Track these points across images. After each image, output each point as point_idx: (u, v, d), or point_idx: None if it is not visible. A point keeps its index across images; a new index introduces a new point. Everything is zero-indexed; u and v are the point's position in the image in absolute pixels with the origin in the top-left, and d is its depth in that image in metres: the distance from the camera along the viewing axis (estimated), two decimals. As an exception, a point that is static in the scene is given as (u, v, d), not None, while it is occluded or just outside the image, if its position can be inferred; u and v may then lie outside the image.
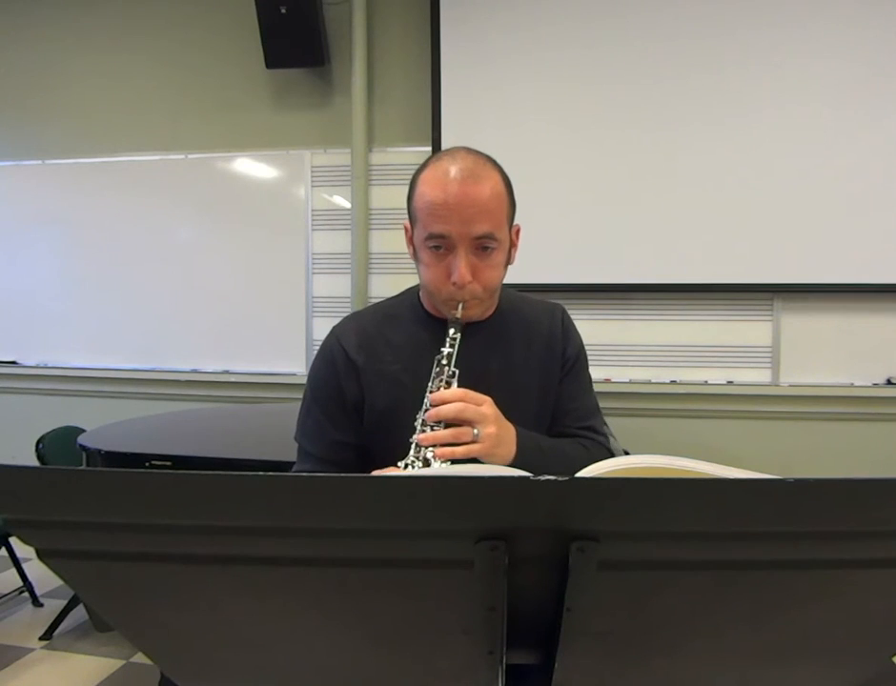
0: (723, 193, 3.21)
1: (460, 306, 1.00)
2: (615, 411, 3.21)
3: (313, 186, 3.68)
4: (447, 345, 1.00)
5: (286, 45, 3.45)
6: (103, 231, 3.87)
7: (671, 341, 3.35)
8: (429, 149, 3.41)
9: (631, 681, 0.63)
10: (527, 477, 0.47)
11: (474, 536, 0.49)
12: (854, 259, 3.12)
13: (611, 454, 1.15)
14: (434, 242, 0.99)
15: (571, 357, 1.16)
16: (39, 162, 3.96)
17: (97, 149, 3.87)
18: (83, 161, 3.89)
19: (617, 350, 3.37)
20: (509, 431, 0.97)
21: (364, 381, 1.07)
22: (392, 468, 0.91)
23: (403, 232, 1.10)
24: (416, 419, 0.94)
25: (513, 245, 1.08)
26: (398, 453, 0.91)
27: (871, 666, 0.61)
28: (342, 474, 0.47)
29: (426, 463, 0.88)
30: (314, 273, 3.68)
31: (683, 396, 3.32)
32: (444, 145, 3.39)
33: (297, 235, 3.68)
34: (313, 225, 3.67)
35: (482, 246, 0.99)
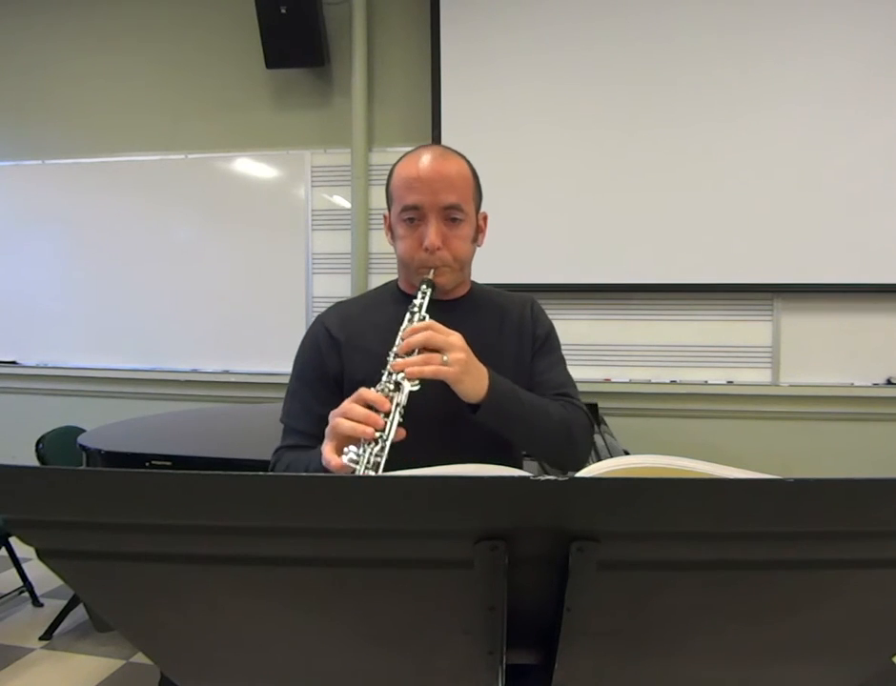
0: (724, 193, 3.21)
1: (432, 271, 1.09)
2: (615, 411, 3.21)
3: (313, 186, 3.68)
4: (418, 297, 1.07)
5: (286, 45, 3.45)
6: (103, 231, 3.87)
7: (671, 341, 3.35)
8: (429, 149, 3.42)
9: (631, 681, 0.63)
10: (527, 477, 0.47)
11: (474, 536, 0.49)
12: (854, 259, 3.12)
13: (589, 419, 1.17)
14: (408, 214, 1.09)
15: (541, 336, 1.22)
16: (39, 162, 3.96)
17: (97, 149, 3.87)
18: (83, 161, 3.89)
19: (617, 350, 3.37)
20: (480, 366, 1.01)
21: (345, 355, 1.13)
22: (364, 389, 0.94)
23: (384, 224, 1.19)
24: (388, 355, 0.99)
25: (480, 230, 1.18)
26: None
27: (871, 666, 0.61)
28: (342, 475, 0.47)
29: (397, 386, 0.93)
30: (314, 273, 3.68)
31: (683, 396, 3.32)
32: (444, 144, 3.39)
33: (297, 235, 3.69)
34: (313, 225, 3.67)
35: (451, 217, 1.09)
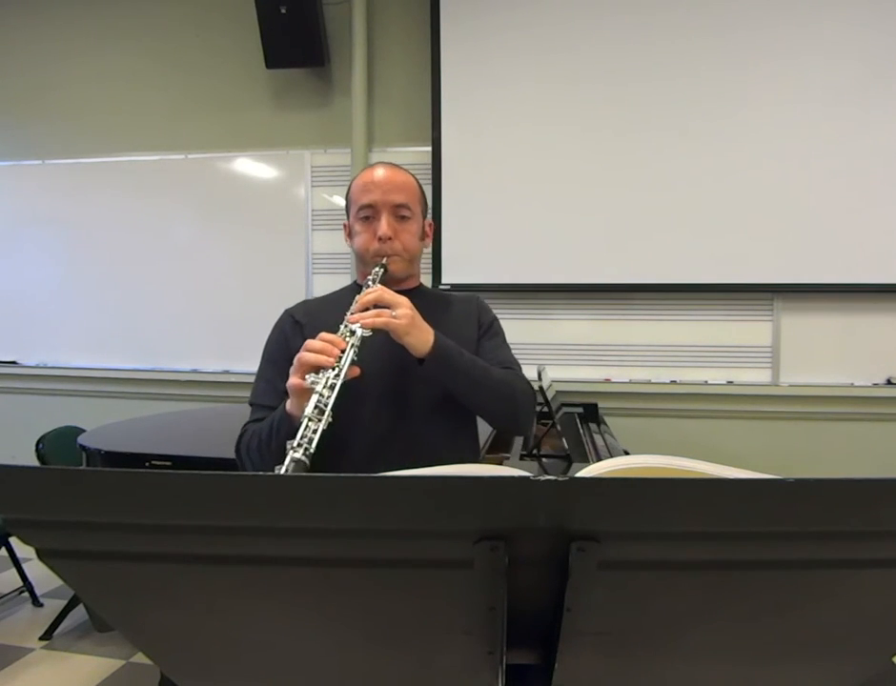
0: (724, 194, 3.21)
1: (385, 259, 1.26)
2: (615, 411, 3.21)
3: (313, 186, 3.68)
4: (371, 275, 1.23)
5: (286, 45, 3.45)
6: (103, 231, 3.87)
7: (671, 341, 3.35)
8: (429, 149, 3.42)
9: (631, 681, 0.63)
10: (527, 477, 0.47)
11: (474, 536, 0.49)
12: (854, 259, 3.12)
13: (531, 388, 1.26)
14: (364, 212, 1.27)
15: (485, 323, 1.35)
16: (39, 162, 3.96)
17: (97, 149, 3.87)
18: (83, 161, 3.89)
19: (617, 350, 3.37)
20: (425, 324, 1.14)
21: (307, 335, 1.21)
22: (323, 333, 1.07)
23: (343, 232, 1.40)
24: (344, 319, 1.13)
25: (426, 234, 1.36)
26: (343, 401, 1.01)
27: (871, 666, 0.61)
28: (342, 475, 0.47)
29: (352, 333, 1.07)
30: (314, 273, 3.69)
31: (683, 396, 3.32)
32: (444, 145, 3.39)
33: (297, 235, 3.69)
34: (313, 225, 3.68)
35: (401, 214, 1.27)
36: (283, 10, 3.37)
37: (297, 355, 1.06)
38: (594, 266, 3.34)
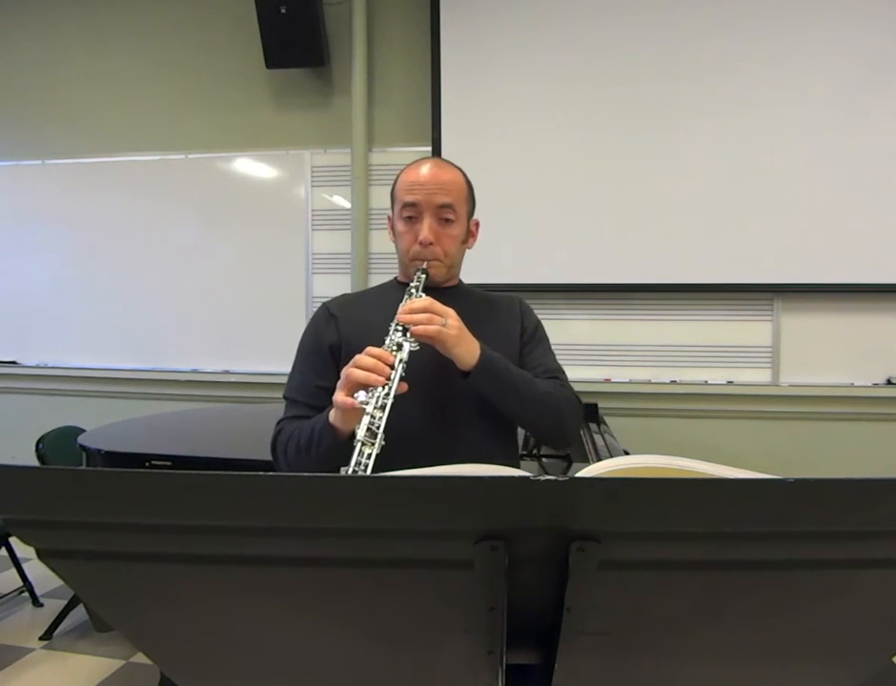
0: (724, 194, 3.21)
1: (425, 263, 1.22)
2: (615, 411, 3.21)
3: (313, 186, 3.68)
4: (414, 281, 1.19)
5: (286, 45, 3.45)
6: (103, 231, 3.87)
7: (671, 341, 3.34)
8: (429, 149, 3.42)
9: (631, 681, 0.63)
10: (527, 477, 0.47)
11: (474, 536, 0.49)
12: (854, 259, 3.12)
13: (578, 400, 1.24)
14: (407, 211, 1.22)
15: (529, 328, 1.30)
16: (39, 162, 3.96)
17: (97, 149, 3.86)
18: (83, 161, 3.89)
19: (617, 350, 3.37)
20: (471, 336, 1.12)
21: (342, 327, 1.24)
22: (371, 347, 1.04)
23: (387, 225, 1.32)
24: (389, 325, 1.10)
25: (472, 234, 1.31)
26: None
27: (871, 666, 0.61)
28: (343, 475, 0.47)
29: (399, 346, 1.05)
30: (314, 273, 3.68)
31: (683, 396, 3.32)
32: (444, 145, 3.39)
33: (297, 235, 3.69)
34: (313, 225, 3.67)
35: (444, 217, 1.21)
36: (283, 10, 3.37)
37: (345, 371, 1.03)
38: (594, 266, 3.34)
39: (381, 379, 0.99)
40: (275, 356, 3.54)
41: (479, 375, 1.11)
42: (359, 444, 0.93)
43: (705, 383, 3.32)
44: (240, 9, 3.58)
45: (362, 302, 1.32)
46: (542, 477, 0.45)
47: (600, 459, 1.66)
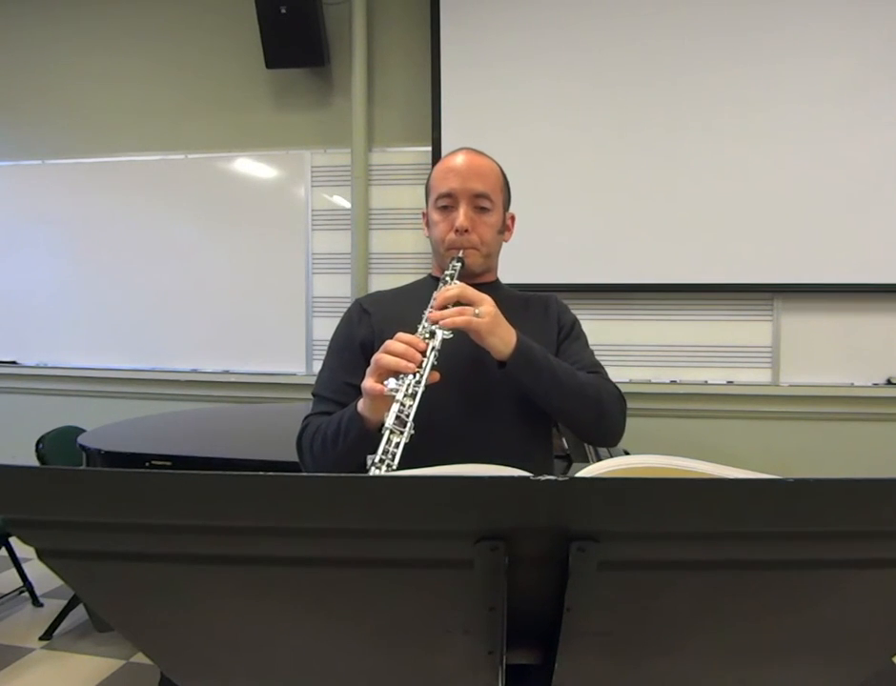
0: (724, 194, 3.21)
1: (462, 251, 1.19)
2: (615, 411, 3.21)
3: (313, 186, 3.68)
4: (449, 269, 1.16)
5: (286, 45, 3.45)
6: (103, 231, 3.87)
7: (671, 341, 3.35)
8: (429, 149, 3.41)
9: (631, 681, 0.63)
10: (527, 477, 0.46)
11: (474, 536, 0.49)
12: (854, 259, 3.12)
13: (622, 396, 1.20)
14: (442, 201, 1.19)
15: (566, 324, 1.28)
16: (39, 162, 3.96)
17: (97, 149, 3.87)
18: (83, 161, 3.89)
19: (617, 350, 3.37)
20: (507, 324, 1.08)
21: (375, 324, 1.21)
22: (402, 333, 1.01)
23: (422, 221, 1.30)
24: (423, 316, 1.07)
25: (507, 228, 1.28)
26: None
27: (871, 666, 0.61)
28: (343, 475, 0.47)
29: (432, 334, 1.01)
30: (314, 273, 3.68)
31: (683, 396, 3.32)
32: (444, 145, 3.39)
33: (297, 235, 3.69)
34: (313, 225, 3.67)
35: (480, 206, 1.19)
36: (283, 10, 3.37)
37: (375, 356, 0.99)
38: (594, 266, 3.34)
39: (412, 366, 0.96)
40: (275, 356, 3.54)
41: (516, 363, 1.06)
42: (387, 432, 0.90)
43: (705, 383, 3.32)
44: (240, 9, 3.58)
45: (396, 298, 1.28)
46: (542, 477, 0.45)
47: (599, 459, 1.66)
